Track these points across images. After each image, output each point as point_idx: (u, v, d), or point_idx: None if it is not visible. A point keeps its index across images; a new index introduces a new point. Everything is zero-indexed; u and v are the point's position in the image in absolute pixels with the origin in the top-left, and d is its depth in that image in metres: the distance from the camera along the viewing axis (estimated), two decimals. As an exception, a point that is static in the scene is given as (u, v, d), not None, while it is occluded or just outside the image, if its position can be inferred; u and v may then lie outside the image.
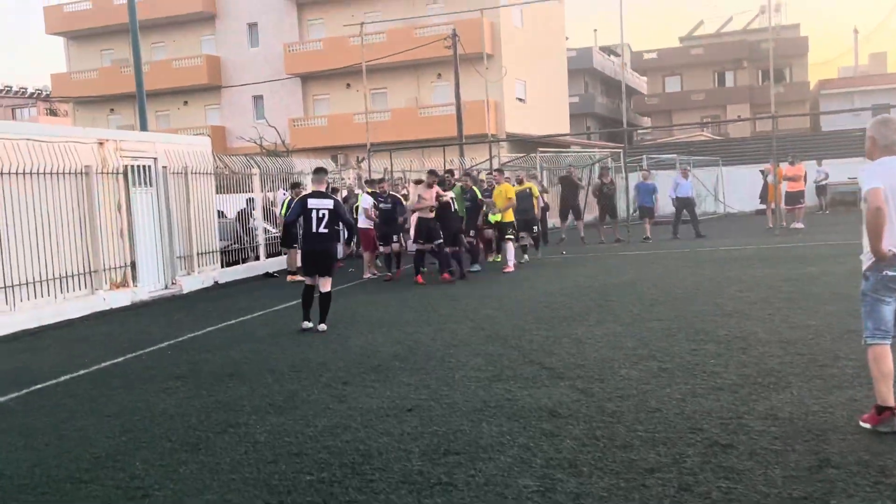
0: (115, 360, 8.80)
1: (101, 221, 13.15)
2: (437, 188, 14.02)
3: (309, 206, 9.79)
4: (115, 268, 13.52)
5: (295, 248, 15.67)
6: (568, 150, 35.73)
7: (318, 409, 6.22)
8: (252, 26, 43.82)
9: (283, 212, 15.75)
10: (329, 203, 9.82)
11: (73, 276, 12.63)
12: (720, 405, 5.64)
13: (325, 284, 9.85)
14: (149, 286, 14.20)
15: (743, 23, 67.24)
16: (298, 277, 15.05)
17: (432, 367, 7.43)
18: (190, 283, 15.04)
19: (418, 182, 16.74)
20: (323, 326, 9.75)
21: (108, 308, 13.02)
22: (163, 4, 43.79)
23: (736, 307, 9.56)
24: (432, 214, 13.83)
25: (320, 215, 9.73)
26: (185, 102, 45.27)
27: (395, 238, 15.08)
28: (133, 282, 13.84)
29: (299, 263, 15.47)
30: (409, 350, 8.27)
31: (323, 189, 10.26)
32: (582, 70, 57.46)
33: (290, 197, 15.74)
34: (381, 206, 14.97)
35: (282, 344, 9.14)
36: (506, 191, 15.07)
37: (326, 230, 9.75)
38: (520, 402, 6.05)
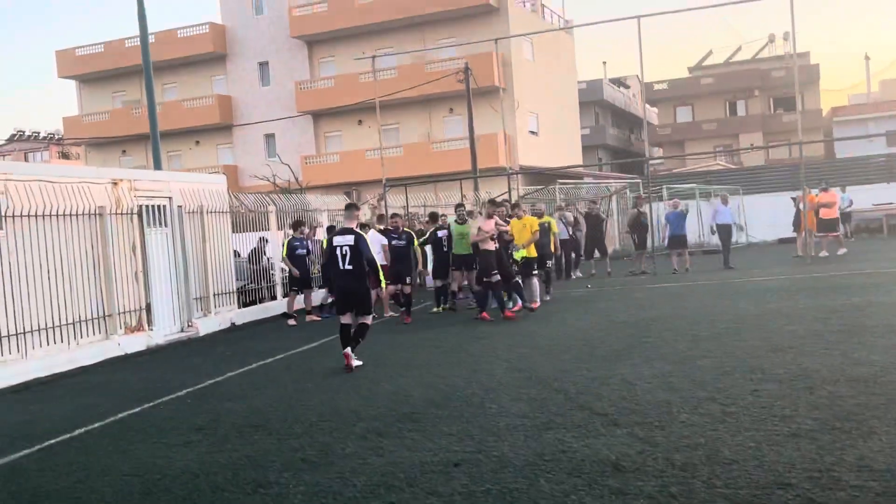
0: (132, 411, 8.30)
1: (116, 263, 12.74)
2: (496, 218, 13.29)
3: (334, 244, 9.70)
4: (130, 311, 13.08)
5: (294, 291, 15.44)
6: (582, 181, 35.35)
7: (355, 465, 5.69)
8: (263, 65, 43.87)
9: (285, 252, 15.27)
10: (350, 239, 9.60)
11: (86, 321, 12.18)
12: (802, 455, 5.09)
13: (365, 320, 9.78)
14: (164, 329, 13.74)
15: (752, 52, 67.02)
16: (292, 322, 14.92)
17: (472, 414, 6.90)
18: (207, 325, 14.57)
19: (433, 217, 16.24)
20: (357, 362, 9.55)
21: (122, 353, 12.54)
22: (174, 46, 43.99)
23: (787, 342, 9.00)
24: (493, 246, 13.05)
25: (343, 252, 9.58)
26: (197, 142, 45.24)
27: (407, 279, 14.24)
28: (148, 325, 13.39)
29: (296, 306, 15.30)
30: (445, 395, 7.74)
31: (352, 225, 9.95)
32: (592, 102, 57.28)
33: (291, 236, 15.44)
34: (395, 242, 14.36)
35: (308, 390, 8.62)
36: (530, 224, 14.42)
37: (351, 266, 9.56)
38: (577, 453, 5.51)
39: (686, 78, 64.49)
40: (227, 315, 15.41)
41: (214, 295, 15.06)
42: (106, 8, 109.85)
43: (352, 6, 41.12)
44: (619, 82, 66.37)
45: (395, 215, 15.32)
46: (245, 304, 16.44)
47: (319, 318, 15.30)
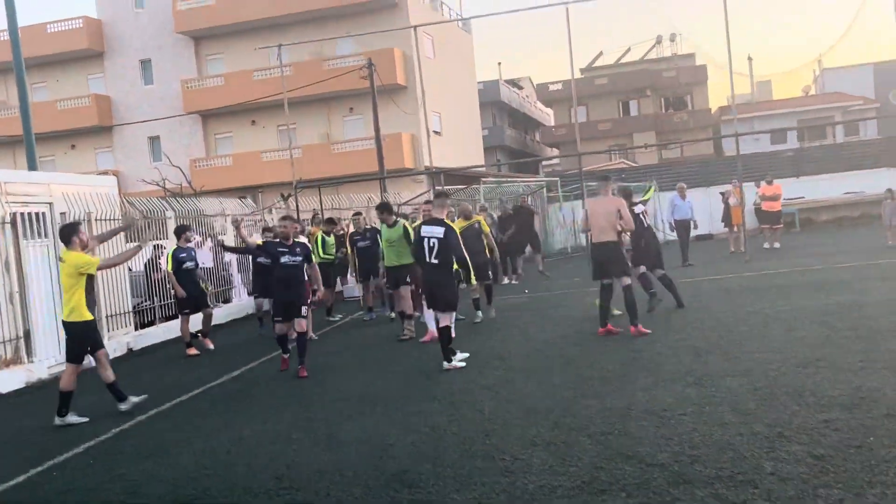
0: (7, 485, 6.28)
1: (-16, 284, 10.47)
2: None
3: (422, 234, 9.08)
4: (5, 341, 10.79)
5: (185, 313, 12.33)
6: (487, 182, 34.22)
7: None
8: (145, 63, 40.73)
9: (170, 266, 12.34)
10: (440, 231, 8.90)
11: (-52, 356, 9.88)
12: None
13: (444, 319, 8.90)
14: (48, 361, 11.47)
15: (641, 53, 68.01)
16: (192, 351, 12.14)
17: (482, 470, 5.33)
18: (99, 353, 12.35)
19: (357, 215, 14.65)
20: (458, 357, 8.96)
21: (-4, 393, 10.29)
22: (44, 42, 40.14)
23: (805, 354, 7.81)
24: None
25: (430, 244, 8.90)
26: (73, 146, 41.57)
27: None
28: (28, 357, 11.12)
29: (193, 329, 12.32)
30: (433, 442, 6.12)
31: (442, 216, 9.18)
32: (490, 103, 56.50)
33: (176, 246, 12.52)
34: (360, 244, 13.79)
35: (246, 441, 6.81)
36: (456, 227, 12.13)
37: (437, 261, 8.89)
38: (667, 534, 4.03)
39: (580, 79, 64.68)
40: (123, 339, 13.22)
41: (107, 317, 12.85)
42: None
43: (241, 0, 38.64)
44: (513, 83, 66.09)
45: (356, 214, 14.42)
46: (143, 325, 14.25)
47: (198, 353, 12.19)
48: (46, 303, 11.62)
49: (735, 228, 20.16)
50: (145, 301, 14.80)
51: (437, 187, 11.20)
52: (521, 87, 68.40)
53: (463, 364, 8.85)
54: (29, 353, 11.16)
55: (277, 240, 9.85)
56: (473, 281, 9.33)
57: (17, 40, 15.19)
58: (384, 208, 11.89)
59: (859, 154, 30.07)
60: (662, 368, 7.80)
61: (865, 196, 27.00)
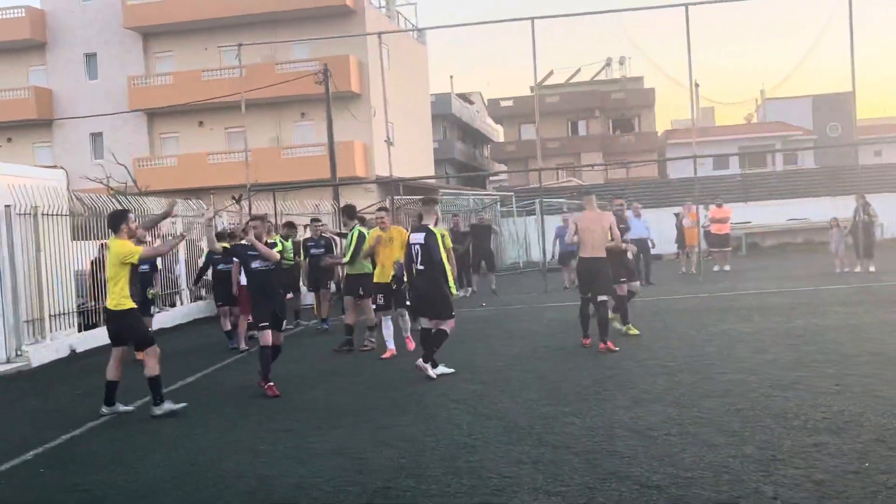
0: (-43, 490, 5.82)
1: (-79, 277, 9.83)
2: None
3: (410, 241, 8.99)
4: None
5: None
6: (448, 194, 34.08)
7: None
8: (90, 57, 39.48)
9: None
10: (421, 237, 8.77)
11: None
12: None
13: (444, 326, 8.75)
14: (-13, 362, 10.85)
15: (590, 74, 68.88)
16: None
17: (469, 488, 5.09)
18: (41, 355, 11.75)
19: (315, 221, 14.39)
20: (440, 369, 8.78)
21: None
22: (-19, 30, 38.69)
23: (780, 376, 7.78)
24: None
25: (415, 250, 8.83)
26: (9, 139, 40.02)
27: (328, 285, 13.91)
28: (-35, 356, 10.49)
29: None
30: (413, 457, 5.86)
31: (430, 222, 8.93)
32: (440, 115, 56.47)
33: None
34: (313, 250, 13.60)
35: (209, 451, 6.44)
36: (399, 237, 10.17)
37: (423, 266, 8.76)
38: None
39: (531, 96, 65.12)
40: (66, 340, 12.60)
41: (51, 316, 12.23)
42: None
43: (194, -2, 37.86)
44: (464, 97, 66.27)
45: (315, 220, 14.27)
46: (87, 327, 13.62)
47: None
48: (-14, 299, 11.00)
49: (688, 249, 20.36)
50: (87, 302, 14.17)
51: (428, 194, 10.98)
52: (471, 102, 68.63)
53: (435, 376, 8.61)
54: (-35, 352, 10.52)
55: (244, 243, 9.18)
56: (454, 290, 8.98)
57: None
58: (345, 211, 11.83)
59: (803, 183, 30.81)
60: (638, 387, 7.68)
61: (809, 223, 27.66)
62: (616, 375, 8.31)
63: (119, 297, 7.75)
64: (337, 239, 14.41)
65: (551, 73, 77.43)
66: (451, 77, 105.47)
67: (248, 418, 7.48)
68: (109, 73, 38.96)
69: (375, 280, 10.44)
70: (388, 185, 35.57)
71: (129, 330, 7.89)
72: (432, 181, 41.99)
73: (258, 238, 8.87)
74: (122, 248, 7.73)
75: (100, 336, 13.43)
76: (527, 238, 27.02)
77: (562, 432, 6.25)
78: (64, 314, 12.69)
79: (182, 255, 17.36)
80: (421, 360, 8.69)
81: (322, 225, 14.38)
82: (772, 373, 7.93)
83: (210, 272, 13.25)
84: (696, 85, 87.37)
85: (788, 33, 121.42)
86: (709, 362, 8.67)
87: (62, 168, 14.49)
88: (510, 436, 6.26)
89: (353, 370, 9.75)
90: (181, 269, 17.30)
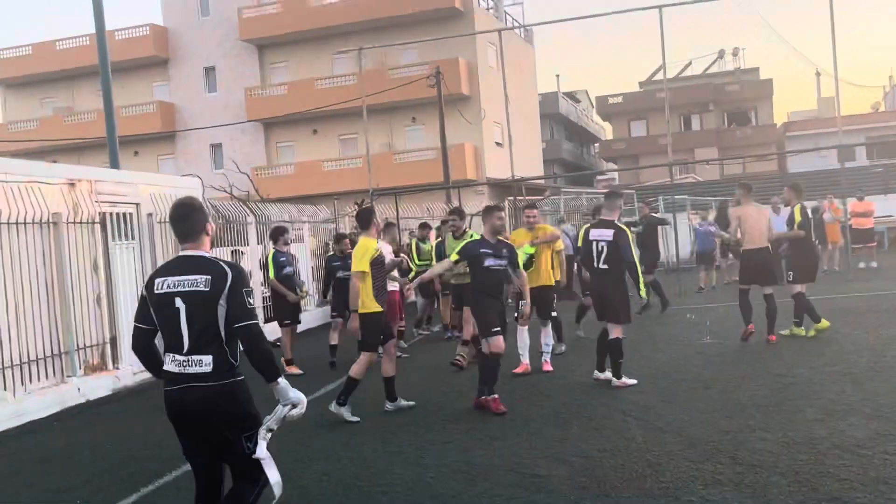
0: (127, 502, 5.73)
1: (74, 286, 10.04)
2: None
3: (590, 238, 8.33)
4: (91, 346, 10.36)
5: (287, 324, 11.04)
6: (569, 193, 33.36)
7: None
8: (209, 70, 40.84)
9: (272, 272, 11.01)
10: (609, 234, 8.14)
11: (35, 361, 9.43)
12: None
13: (614, 332, 8.17)
14: (133, 367, 11.01)
15: (702, 67, 66.62)
16: (296, 370, 10.68)
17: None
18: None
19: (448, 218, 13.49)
20: (607, 375, 8.34)
21: (83, 401, 9.82)
22: (112, 49, 40.28)
23: None
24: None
25: (599, 248, 8.20)
26: (136, 153, 41.73)
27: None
28: (114, 363, 10.67)
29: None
30: (594, 476, 5.41)
31: (612, 218, 8.34)
32: (547, 115, 55.74)
33: (274, 250, 11.27)
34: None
35: (372, 464, 6.16)
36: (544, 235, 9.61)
37: (607, 266, 8.19)
38: None
39: (641, 92, 63.60)
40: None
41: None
42: (23, 7, 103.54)
43: (305, 8, 38.55)
44: (570, 96, 65.27)
45: (450, 216, 11.32)
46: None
47: (301, 373, 10.70)
48: (133, 308, 11.16)
49: (830, 246, 19.09)
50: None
51: (608, 188, 10.38)
52: (578, 101, 67.55)
53: (634, 381, 8.16)
54: (115, 359, 10.71)
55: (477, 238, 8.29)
56: (643, 293, 8.39)
57: (105, 45, 14.93)
58: (457, 213, 10.78)
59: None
60: (824, 397, 6.98)
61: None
62: (794, 384, 7.61)
63: (364, 299, 7.60)
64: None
65: (660, 67, 75.70)
66: (558, 76, 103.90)
67: (402, 429, 7.18)
68: (228, 86, 40.16)
69: (532, 284, 8.87)
70: (500, 187, 35.33)
71: (372, 332, 7.64)
72: (541, 181, 41.47)
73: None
74: (364, 246, 7.64)
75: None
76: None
77: (755, 449, 5.67)
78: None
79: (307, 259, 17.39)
80: (613, 379, 8.19)
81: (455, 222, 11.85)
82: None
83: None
84: (818, 74, 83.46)
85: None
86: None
87: (197, 177, 14.67)
88: (696, 452, 5.72)
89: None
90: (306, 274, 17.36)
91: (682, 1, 18.20)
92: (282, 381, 3.87)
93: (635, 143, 60.40)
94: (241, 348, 3.94)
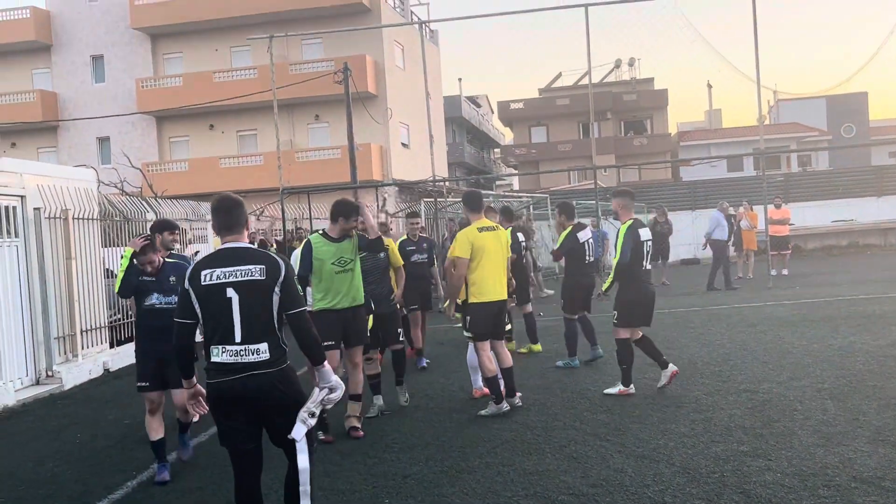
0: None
1: (-56, 291, 8.58)
2: None
3: (641, 238, 7.68)
4: (-36, 360, 8.91)
5: None
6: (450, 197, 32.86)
7: None
8: (97, 59, 38.23)
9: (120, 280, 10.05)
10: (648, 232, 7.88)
11: None
12: None
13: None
14: (15, 383, 9.59)
15: (598, 76, 67.72)
16: None
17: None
18: (73, 375, 10.50)
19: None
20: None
21: (-46, 425, 8.39)
22: (-14, 31, 37.45)
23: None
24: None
25: (648, 248, 7.80)
26: (13, 144, 38.75)
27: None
28: (-8, 380, 9.23)
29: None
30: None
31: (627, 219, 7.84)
32: (450, 119, 55.32)
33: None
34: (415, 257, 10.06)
35: (414, 481, 5.21)
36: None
37: (651, 266, 8.01)
38: None
39: (542, 98, 64.16)
40: (99, 358, 11.35)
41: (82, 331, 10.98)
42: None
43: (204, -3, 36.66)
44: (472, 101, 65.21)
45: (413, 214, 10.65)
46: (118, 343, 12.37)
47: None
48: (12, 314, 9.74)
49: (745, 253, 19.16)
50: (116, 314, 12.92)
51: (622, 186, 9.65)
52: (479, 105, 67.57)
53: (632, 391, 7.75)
54: (-7, 375, 9.27)
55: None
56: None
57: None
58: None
59: (849, 183, 29.16)
60: (812, 417, 6.45)
61: (855, 225, 26.50)
62: (769, 401, 7.06)
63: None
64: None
65: (559, 75, 76.46)
66: (460, 80, 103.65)
67: (348, 459, 6.24)
68: (116, 76, 37.76)
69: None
70: (406, 189, 34.49)
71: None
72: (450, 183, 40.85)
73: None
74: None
75: (132, 352, 12.22)
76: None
77: (765, 482, 5.02)
78: (96, 329, 11.43)
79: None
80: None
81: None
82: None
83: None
84: (709, 86, 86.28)
85: (796, 31, 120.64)
86: (873, 384, 7.45)
87: (92, 168, 13.18)
88: (701, 488, 5.02)
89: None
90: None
91: (608, 0, 17.81)
92: (326, 364, 4.07)
93: (536, 149, 60.74)
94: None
